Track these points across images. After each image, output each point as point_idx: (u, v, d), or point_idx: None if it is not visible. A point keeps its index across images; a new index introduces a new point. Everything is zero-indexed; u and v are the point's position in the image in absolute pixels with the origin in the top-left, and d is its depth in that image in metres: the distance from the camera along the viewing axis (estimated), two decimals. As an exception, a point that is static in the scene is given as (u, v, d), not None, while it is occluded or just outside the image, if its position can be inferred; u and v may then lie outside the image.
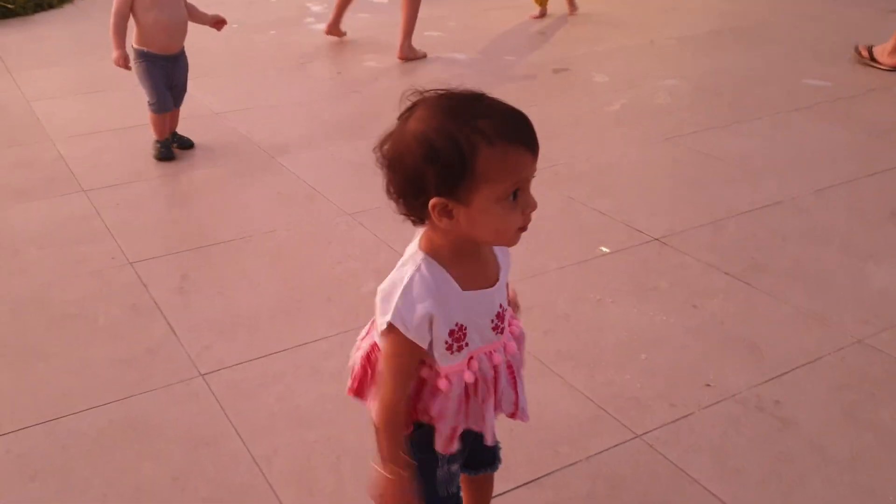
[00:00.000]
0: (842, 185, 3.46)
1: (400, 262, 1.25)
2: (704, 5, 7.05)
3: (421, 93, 1.18)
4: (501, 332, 1.31)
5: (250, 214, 3.31)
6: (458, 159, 1.10)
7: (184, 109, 3.95)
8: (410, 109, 1.17)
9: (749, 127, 4.19)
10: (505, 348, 1.33)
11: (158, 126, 3.80)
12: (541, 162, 1.18)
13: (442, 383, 1.27)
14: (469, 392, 1.30)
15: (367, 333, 1.38)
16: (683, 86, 4.91)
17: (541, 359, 2.28)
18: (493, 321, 1.29)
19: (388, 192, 1.20)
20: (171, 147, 3.84)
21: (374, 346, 1.33)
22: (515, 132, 1.13)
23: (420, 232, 1.26)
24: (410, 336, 1.20)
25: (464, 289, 1.22)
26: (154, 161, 3.78)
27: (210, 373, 2.27)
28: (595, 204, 3.26)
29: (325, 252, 2.97)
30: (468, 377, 1.28)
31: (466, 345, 1.26)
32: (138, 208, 3.35)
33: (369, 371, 1.35)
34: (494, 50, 5.85)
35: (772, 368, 2.25)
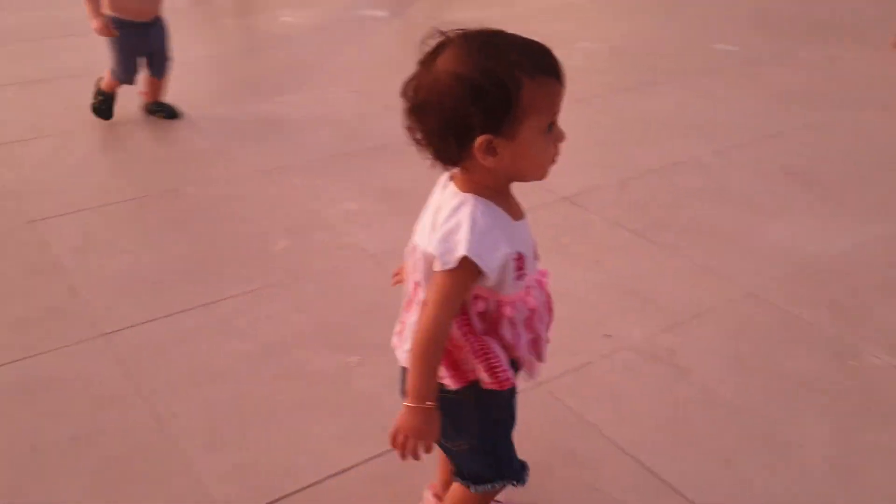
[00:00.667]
0: (742, 145, 3.58)
1: (448, 209, 1.20)
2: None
3: (443, 34, 1.17)
4: (538, 261, 1.33)
5: (156, 171, 3.23)
6: (503, 95, 1.11)
7: (91, 66, 3.81)
8: (436, 51, 1.16)
9: (660, 89, 4.29)
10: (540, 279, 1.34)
11: (111, 83, 3.56)
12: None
13: (507, 310, 1.25)
14: (531, 319, 1.30)
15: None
16: (599, 48, 4.98)
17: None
18: (534, 251, 1.30)
19: (415, 138, 1.18)
20: (113, 106, 3.61)
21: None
22: (549, 64, 1.16)
23: (445, 179, 1.25)
24: (483, 265, 1.16)
25: (514, 220, 1.24)
26: (57, 117, 3.65)
27: (113, 332, 2.23)
28: (507, 163, 3.30)
29: (234, 210, 2.93)
30: (531, 303, 1.28)
31: (525, 273, 1.25)
32: (40, 166, 3.24)
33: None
34: (411, 8, 5.79)
35: (668, 319, 2.34)
